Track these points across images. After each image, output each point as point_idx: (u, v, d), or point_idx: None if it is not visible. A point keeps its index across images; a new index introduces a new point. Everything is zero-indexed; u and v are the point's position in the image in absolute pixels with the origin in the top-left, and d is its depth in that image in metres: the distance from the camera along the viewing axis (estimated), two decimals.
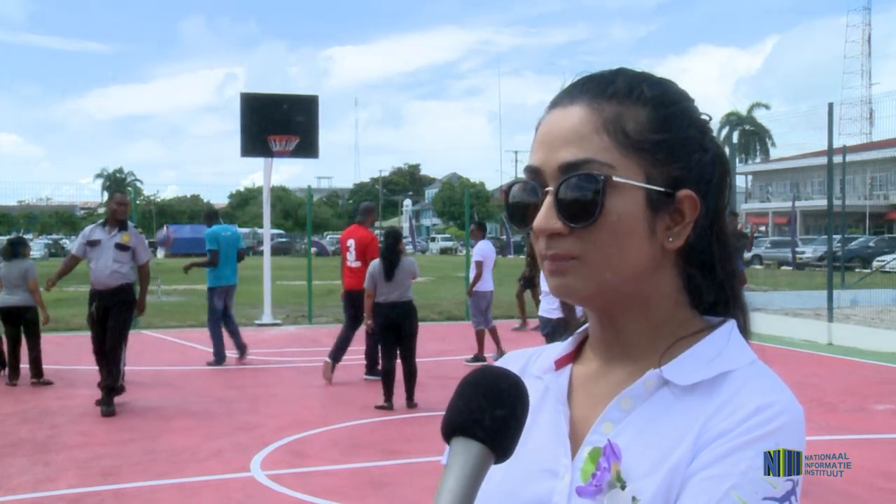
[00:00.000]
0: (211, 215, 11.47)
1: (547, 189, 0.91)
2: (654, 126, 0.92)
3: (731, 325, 0.96)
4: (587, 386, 0.99)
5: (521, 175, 0.97)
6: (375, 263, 8.48)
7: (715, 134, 1.00)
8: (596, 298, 0.94)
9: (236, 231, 11.53)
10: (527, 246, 15.01)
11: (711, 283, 0.97)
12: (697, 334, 0.94)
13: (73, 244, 8.43)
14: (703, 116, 0.97)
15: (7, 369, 9.72)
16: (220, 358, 10.99)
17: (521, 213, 0.96)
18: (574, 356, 1.03)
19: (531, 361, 1.06)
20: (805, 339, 13.09)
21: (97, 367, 8.27)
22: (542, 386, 1.00)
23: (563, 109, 0.94)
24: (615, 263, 0.90)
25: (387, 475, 6.22)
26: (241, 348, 11.14)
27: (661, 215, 0.92)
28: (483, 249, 11.03)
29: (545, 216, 0.91)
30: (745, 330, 0.98)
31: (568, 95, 0.95)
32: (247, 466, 6.31)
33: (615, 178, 0.89)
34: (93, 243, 8.23)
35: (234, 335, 11.17)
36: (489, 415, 0.79)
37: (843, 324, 13.19)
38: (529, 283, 14.09)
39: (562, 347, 1.04)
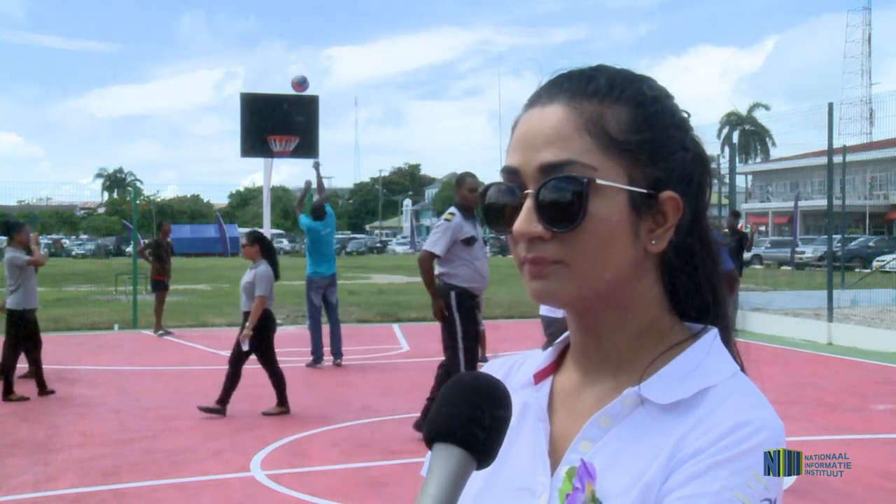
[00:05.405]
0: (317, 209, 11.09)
1: (527, 191, 0.88)
2: (636, 126, 0.89)
3: (713, 335, 0.92)
4: (569, 400, 0.96)
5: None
6: (267, 270, 7.91)
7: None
8: (577, 303, 0.90)
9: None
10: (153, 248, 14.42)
11: (694, 287, 0.94)
12: (680, 345, 0.91)
13: (432, 242, 6.84)
14: (683, 114, 0.94)
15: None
16: (318, 357, 10.87)
17: (498, 216, 0.92)
18: (555, 367, 1.00)
19: (513, 372, 1.03)
20: (805, 339, 13.10)
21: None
22: (521, 401, 0.96)
23: (542, 108, 0.90)
24: (598, 268, 0.87)
25: (387, 475, 6.22)
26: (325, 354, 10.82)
27: (644, 218, 0.88)
28: None
29: (525, 220, 0.87)
30: (727, 338, 0.94)
31: (546, 93, 0.91)
32: (247, 466, 6.31)
33: (599, 181, 0.86)
34: (469, 241, 6.86)
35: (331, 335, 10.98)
36: (490, 415, 0.78)
37: (843, 324, 13.19)
38: (156, 286, 14.08)
39: (542, 358, 1.01)
